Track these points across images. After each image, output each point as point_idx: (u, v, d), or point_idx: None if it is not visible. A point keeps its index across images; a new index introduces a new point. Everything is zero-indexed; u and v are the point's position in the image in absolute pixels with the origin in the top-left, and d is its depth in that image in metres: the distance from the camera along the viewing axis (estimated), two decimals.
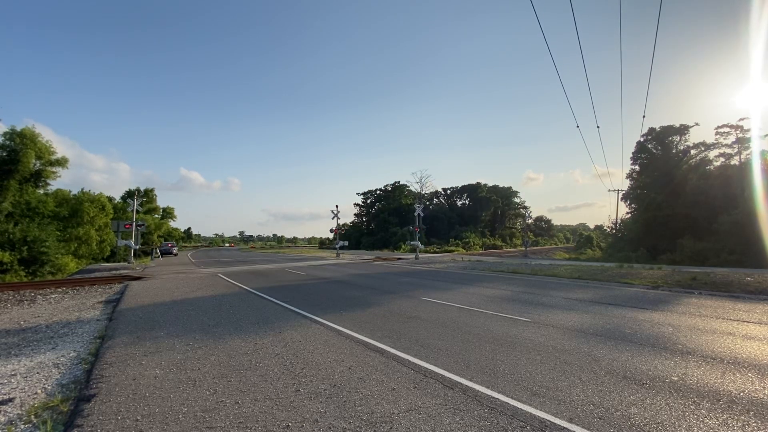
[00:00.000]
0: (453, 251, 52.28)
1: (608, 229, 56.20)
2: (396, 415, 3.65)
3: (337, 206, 38.73)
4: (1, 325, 8.11)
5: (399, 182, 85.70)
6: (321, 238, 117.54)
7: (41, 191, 28.75)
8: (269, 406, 3.90)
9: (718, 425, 3.46)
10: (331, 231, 40.15)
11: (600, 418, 3.59)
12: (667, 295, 11.58)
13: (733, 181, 30.18)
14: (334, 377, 4.67)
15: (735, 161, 34.34)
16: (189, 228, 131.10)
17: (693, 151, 38.20)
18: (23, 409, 3.99)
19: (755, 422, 3.51)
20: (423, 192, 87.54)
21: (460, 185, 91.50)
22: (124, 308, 9.66)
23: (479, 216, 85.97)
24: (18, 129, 25.59)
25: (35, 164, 26.67)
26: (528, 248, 53.29)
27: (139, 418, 3.67)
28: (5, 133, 25.22)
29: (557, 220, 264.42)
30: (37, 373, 5.09)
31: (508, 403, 3.90)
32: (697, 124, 39.17)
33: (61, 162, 28.40)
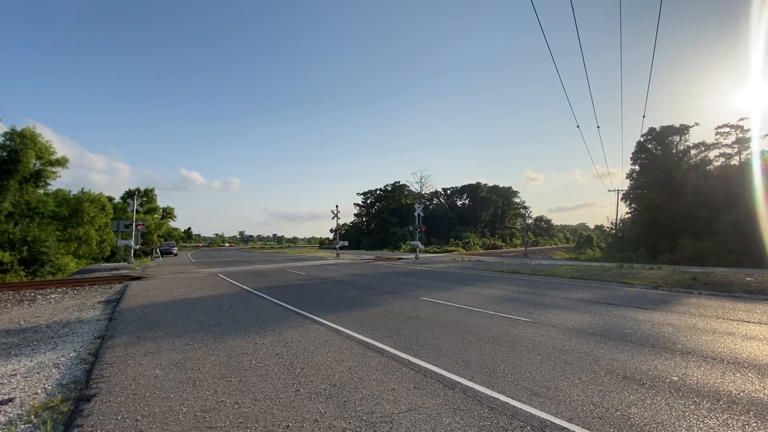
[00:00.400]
0: (453, 251, 52.28)
1: (608, 229, 56.23)
2: (396, 415, 3.65)
3: (337, 206, 38.80)
4: (1, 325, 8.11)
5: (399, 182, 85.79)
6: (321, 238, 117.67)
7: (41, 191, 28.70)
8: (269, 406, 3.90)
9: (718, 425, 3.46)
10: (332, 231, 40.16)
11: (600, 418, 3.59)
12: (667, 295, 11.58)
13: (733, 181, 30.17)
14: (334, 377, 4.67)
15: (735, 161, 34.34)
16: (189, 228, 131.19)
17: (693, 151, 38.22)
18: (23, 409, 3.99)
19: (755, 422, 3.51)
20: (423, 192, 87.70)
21: (460, 185, 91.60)
22: (124, 308, 9.66)
23: (479, 216, 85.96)
24: (18, 129, 25.60)
25: (35, 164, 26.64)
26: (528, 248, 53.38)
27: (139, 418, 3.67)
28: (5, 133, 25.21)
29: (557, 220, 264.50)
30: (37, 373, 5.09)
31: (508, 403, 3.90)
32: (697, 124, 39.21)
33: (61, 162, 28.38)
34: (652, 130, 40.01)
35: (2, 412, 3.91)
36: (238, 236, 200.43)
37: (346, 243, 46.79)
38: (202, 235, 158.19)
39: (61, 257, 25.10)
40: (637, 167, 41.27)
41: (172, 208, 63.25)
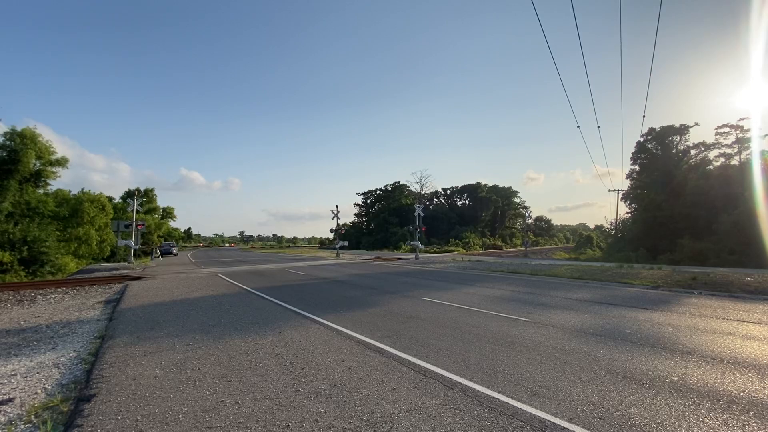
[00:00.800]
0: (453, 251, 52.28)
1: (608, 230, 56.21)
2: (396, 415, 3.65)
3: (337, 206, 38.79)
4: (1, 325, 8.11)
5: (399, 182, 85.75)
6: (321, 238, 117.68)
7: (41, 191, 28.70)
8: (269, 406, 3.90)
9: (718, 425, 3.46)
10: (332, 231, 40.17)
11: (600, 418, 3.58)
12: (667, 295, 11.58)
13: (733, 181, 30.17)
14: (334, 377, 4.67)
15: (735, 161, 34.34)
16: (189, 228, 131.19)
17: (693, 151, 38.21)
18: (23, 409, 3.99)
19: (755, 422, 3.51)
20: (423, 192, 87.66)
21: (460, 185, 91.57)
22: (124, 308, 9.66)
23: (479, 216, 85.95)
24: (18, 129, 25.60)
25: (35, 164, 26.65)
26: (528, 248, 53.39)
27: (139, 418, 3.67)
28: (5, 133, 25.21)
29: (557, 220, 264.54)
30: (37, 373, 5.09)
31: (508, 403, 3.90)
32: (697, 124, 39.19)
33: (61, 162, 28.39)
34: (652, 130, 40.02)
35: (2, 412, 3.91)
36: (238, 236, 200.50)
37: (346, 243, 46.80)
38: (202, 235, 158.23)
39: (61, 257, 25.08)
40: (637, 167, 41.28)
41: (172, 208, 63.28)
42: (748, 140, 33.29)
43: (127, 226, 28.60)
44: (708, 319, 7.96)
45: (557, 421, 3.53)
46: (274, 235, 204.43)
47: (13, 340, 6.83)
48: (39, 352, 6.06)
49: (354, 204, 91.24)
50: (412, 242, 36.64)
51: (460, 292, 12.13)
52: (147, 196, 53.35)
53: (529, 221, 79.68)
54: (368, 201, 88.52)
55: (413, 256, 35.72)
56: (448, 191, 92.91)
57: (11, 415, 3.86)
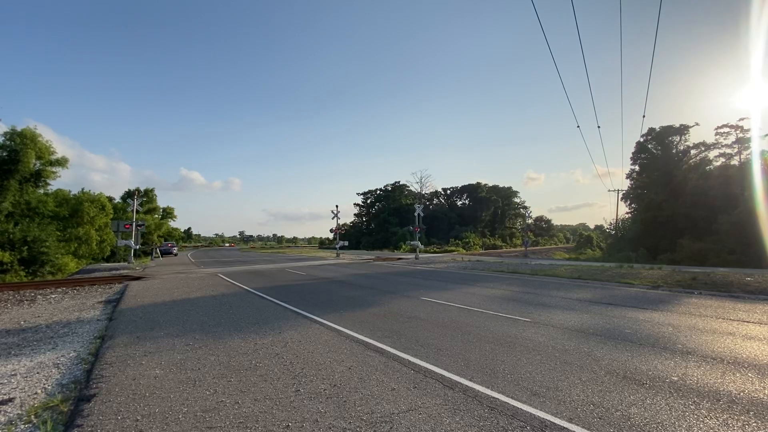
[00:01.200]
0: (453, 251, 52.26)
1: (608, 230, 56.18)
2: (396, 415, 3.65)
3: (337, 206, 38.74)
4: (1, 325, 8.11)
5: (399, 182, 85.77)
6: (321, 238, 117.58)
7: (41, 191, 28.68)
8: (269, 406, 3.90)
9: (718, 425, 3.46)
10: (331, 231, 40.17)
11: (600, 418, 3.58)
12: (667, 295, 11.57)
13: (733, 181, 30.15)
14: (334, 377, 4.67)
15: (735, 161, 34.33)
16: (189, 228, 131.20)
17: (693, 151, 38.16)
18: (23, 409, 3.99)
19: (755, 422, 3.51)
20: (423, 192, 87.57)
21: (460, 185, 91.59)
22: (124, 308, 9.66)
23: (479, 216, 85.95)
24: (18, 129, 25.59)
25: (35, 164, 26.62)
26: (528, 248, 53.30)
27: (139, 418, 3.67)
28: (5, 133, 25.19)
29: (557, 220, 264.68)
30: (37, 373, 5.09)
31: (508, 403, 3.90)
32: (697, 124, 39.08)
33: (62, 162, 28.36)
34: (652, 130, 39.99)
35: (2, 412, 3.91)
36: (238, 236, 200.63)
37: (346, 243, 46.76)
38: (202, 235, 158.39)
39: (61, 257, 25.08)
40: (637, 167, 41.24)
41: (172, 208, 63.29)
42: (748, 140, 33.28)
43: (127, 227, 28.60)
44: (708, 319, 7.96)
45: (557, 421, 3.53)
46: (274, 235, 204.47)
47: (13, 340, 6.83)
48: (39, 352, 6.05)
49: (354, 204, 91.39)
50: (412, 242, 36.64)
51: (460, 292, 12.13)
52: (147, 196, 53.33)
53: (529, 221, 79.57)
54: (368, 201, 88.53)
55: (413, 256, 35.71)
56: (448, 191, 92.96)
57: (11, 415, 3.86)
